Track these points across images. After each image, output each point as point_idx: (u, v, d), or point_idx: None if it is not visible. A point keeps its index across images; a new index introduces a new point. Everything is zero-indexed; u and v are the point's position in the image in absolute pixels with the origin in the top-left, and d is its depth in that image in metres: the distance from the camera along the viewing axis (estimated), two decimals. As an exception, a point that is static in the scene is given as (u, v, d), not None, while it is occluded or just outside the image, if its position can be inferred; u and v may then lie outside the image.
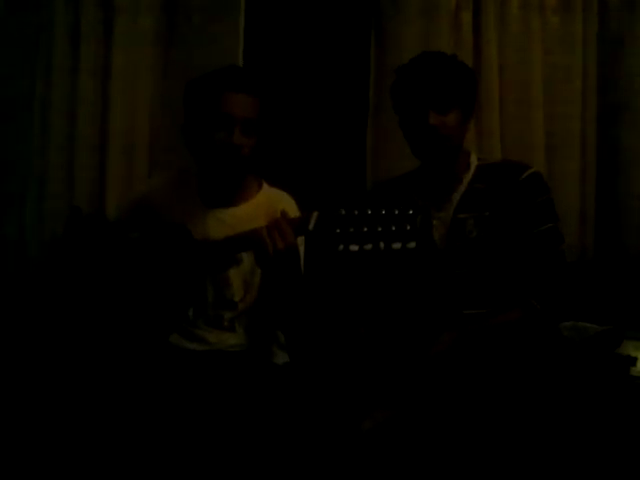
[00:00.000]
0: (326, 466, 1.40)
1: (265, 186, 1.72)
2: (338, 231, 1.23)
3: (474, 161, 1.71)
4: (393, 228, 1.22)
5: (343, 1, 2.27)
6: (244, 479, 1.35)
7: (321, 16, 2.27)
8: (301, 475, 1.37)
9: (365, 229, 1.22)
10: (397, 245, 1.22)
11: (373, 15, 2.19)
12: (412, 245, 1.21)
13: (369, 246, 1.22)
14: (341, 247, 1.23)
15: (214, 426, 1.39)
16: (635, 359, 1.71)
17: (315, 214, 1.32)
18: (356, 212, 1.23)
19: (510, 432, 1.39)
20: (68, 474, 1.34)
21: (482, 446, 1.38)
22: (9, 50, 2.09)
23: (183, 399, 1.43)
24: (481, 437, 1.39)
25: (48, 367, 1.54)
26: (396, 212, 1.22)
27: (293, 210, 1.61)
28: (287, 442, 1.38)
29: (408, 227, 1.22)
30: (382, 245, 1.22)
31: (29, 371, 1.59)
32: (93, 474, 1.34)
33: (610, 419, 1.54)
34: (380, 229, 1.22)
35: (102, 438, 1.36)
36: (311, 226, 1.32)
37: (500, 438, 1.38)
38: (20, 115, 2.12)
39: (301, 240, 1.53)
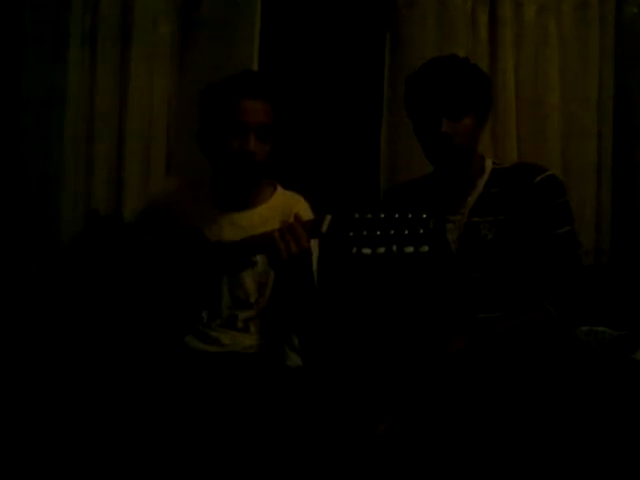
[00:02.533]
0: (339, 469, 1.40)
1: (279, 189, 1.73)
2: (351, 234, 1.23)
3: (489, 165, 1.70)
4: (406, 232, 1.22)
5: (359, 3, 2.27)
6: (256, 480, 1.36)
7: (336, 17, 2.27)
8: (313, 478, 1.37)
9: (378, 232, 1.23)
10: (410, 249, 1.22)
11: (389, 16, 2.19)
12: (425, 249, 1.21)
13: (382, 249, 1.22)
14: (354, 250, 1.23)
15: (227, 428, 1.40)
16: (651, 364, 1.69)
17: (328, 217, 1.33)
18: (369, 215, 1.23)
19: (524, 436, 1.38)
20: (76, 473, 1.36)
21: (496, 450, 1.38)
22: (33, 50, 2.11)
23: (196, 400, 1.44)
24: (495, 441, 1.38)
25: (63, 366, 1.55)
26: (409, 216, 1.22)
27: (307, 213, 1.62)
28: (299, 445, 1.39)
29: (421, 231, 1.21)
30: (395, 248, 1.22)
31: (43, 371, 1.61)
32: (104, 474, 1.35)
33: (625, 424, 1.53)
34: (393, 232, 1.22)
35: (114, 438, 1.37)
36: (324, 229, 1.32)
37: (514, 442, 1.38)
38: (40, 114, 2.13)
39: (314, 243, 1.54)
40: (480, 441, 1.39)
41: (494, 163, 1.71)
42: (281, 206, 1.67)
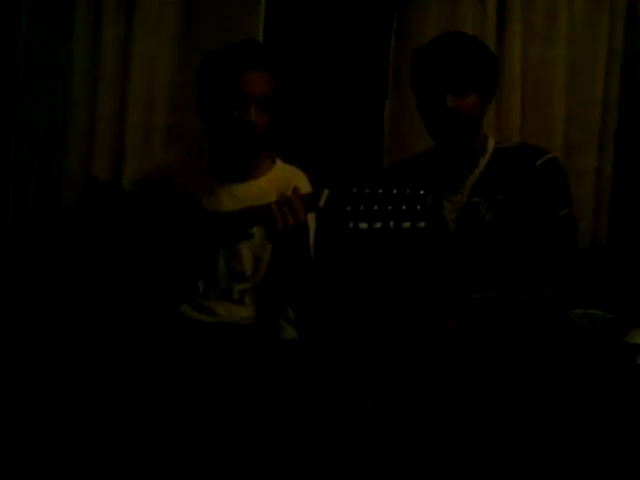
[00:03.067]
0: (329, 442, 1.41)
1: (279, 162, 1.72)
2: (349, 209, 1.24)
3: (491, 145, 1.69)
4: (403, 207, 1.22)
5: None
6: (248, 453, 1.37)
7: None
8: (305, 451, 1.39)
9: (375, 207, 1.23)
10: (407, 224, 1.22)
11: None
12: (422, 225, 1.22)
13: (379, 224, 1.23)
14: (351, 225, 1.24)
15: (220, 398, 1.41)
16: (643, 348, 1.70)
17: (326, 191, 1.33)
18: (367, 190, 1.24)
19: (515, 417, 1.39)
20: (75, 445, 1.38)
21: (486, 428, 1.39)
22: (36, 22, 2.10)
23: (190, 369, 1.45)
24: (485, 420, 1.39)
25: (59, 334, 1.57)
26: (407, 191, 1.22)
27: (306, 187, 1.61)
28: (291, 417, 1.40)
29: (418, 207, 1.22)
30: (392, 224, 1.22)
31: (40, 339, 1.62)
32: (99, 446, 1.37)
33: (616, 407, 1.54)
34: (390, 208, 1.22)
35: (108, 408, 1.39)
36: (322, 203, 1.33)
37: (504, 423, 1.39)
38: (45, 83, 2.13)
39: (312, 217, 1.54)
40: (470, 419, 1.40)
41: (497, 143, 1.71)
42: (280, 179, 1.66)
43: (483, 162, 1.67)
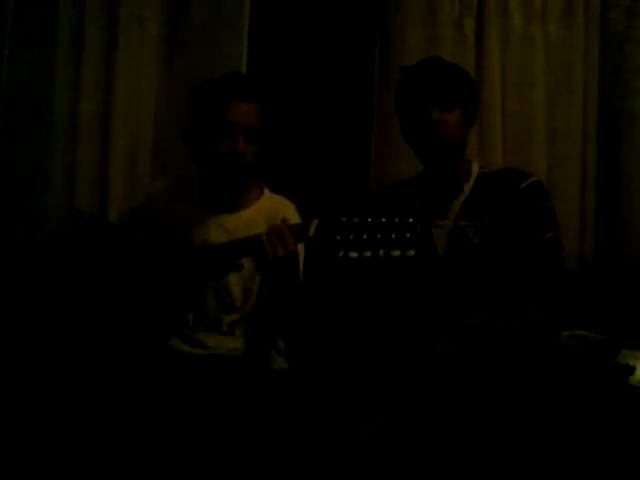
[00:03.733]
0: (323, 472, 1.40)
1: (266, 192, 1.73)
2: (338, 238, 1.24)
3: (475, 169, 1.71)
4: (393, 236, 1.22)
5: (348, 7, 2.28)
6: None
7: (326, 22, 2.27)
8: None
9: (365, 236, 1.23)
10: (396, 253, 1.23)
11: (378, 20, 2.20)
12: (411, 253, 1.22)
13: (368, 253, 1.23)
14: (341, 254, 1.24)
15: (212, 430, 1.39)
16: (633, 368, 1.70)
17: (315, 221, 1.33)
18: (356, 219, 1.24)
19: (508, 439, 1.39)
20: (66, 476, 1.35)
21: (479, 453, 1.38)
22: (17, 61, 2.10)
23: (182, 403, 1.43)
24: (479, 444, 1.39)
25: (48, 369, 1.54)
26: (396, 220, 1.23)
27: (294, 216, 1.62)
28: (284, 448, 1.38)
29: (408, 235, 1.22)
30: (382, 252, 1.23)
31: (29, 373, 1.60)
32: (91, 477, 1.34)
33: (609, 428, 1.54)
34: (380, 236, 1.23)
35: (100, 441, 1.36)
36: (311, 233, 1.33)
37: (498, 445, 1.38)
38: (27, 117, 2.12)
39: (301, 247, 1.54)
40: (463, 444, 1.39)
41: (481, 167, 1.73)
42: (268, 209, 1.67)
43: (468, 186, 1.69)
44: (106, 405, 1.40)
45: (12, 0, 2.08)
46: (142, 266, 1.54)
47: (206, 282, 1.60)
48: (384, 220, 1.23)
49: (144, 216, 1.67)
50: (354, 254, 1.23)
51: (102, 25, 2.10)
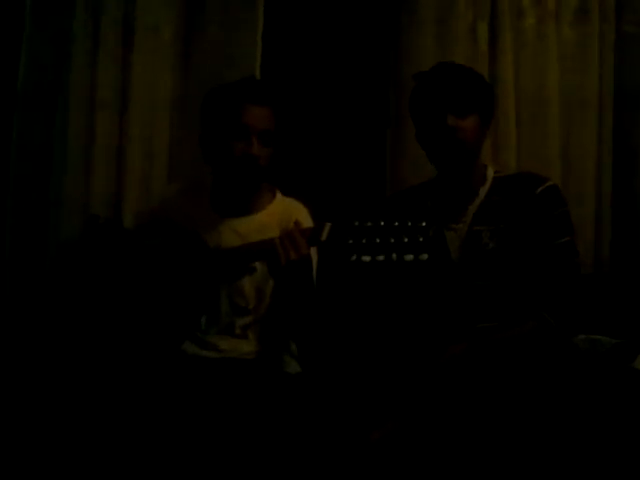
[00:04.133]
0: (336, 475, 1.39)
1: (279, 196, 1.73)
2: (351, 242, 1.24)
3: (491, 173, 1.71)
4: (406, 240, 1.22)
5: (362, 10, 2.28)
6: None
7: (340, 27, 2.27)
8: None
9: (378, 240, 1.23)
10: (409, 257, 1.22)
11: (392, 24, 2.20)
12: (424, 257, 1.22)
13: (381, 257, 1.23)
14: (354, 258, 1.24)
15: (225, 433, 1.39)
16: (650, 373, 1.69)
17: (328, 225, 1.33)
18: (369, 223, 1.24)
19: (522, 444, 1.38)
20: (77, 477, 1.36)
21: (493, 458, 1.37)
22: (34, 64, 2.11)
23: (194, 406, 1.43)
24: (492, 448, 1.38)
25: (63, 372, 1.55)
26: (409, 224, 1.23)
27: (306, 220, 1.62)
28: (296, 451, 1.39)
29: (421, 239, 1.22)
30: (394, 256, 1.22)
31: (43, 376, 1.61)
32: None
33: (625, 433, 1.52)
34: (393, 240, 1.22)
35: (113, 444, 1.37)
36: (324, 237, 1.33)
37: (512, 450, 1.37)
38: (42, 115, 2.13)
39: (314, 250, 1.54)
40: (477, 450, 1.38)
41: (496, 172, 1.72)
42: (280, 213, 1.67)
43: (483, 191, 1.68)
44: (120, 408, 1.41)
45: (30, 7, 2.10)
46: (156, 270, 1.55)
47: (219, 285, 1.61)
48: (397, 224, 1.23)
49: (158, 219, 1.68)
50: (367, 258, 1.23)
51: (117, 30, 2.11)
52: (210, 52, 2.14)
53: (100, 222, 1.68)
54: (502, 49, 2.15)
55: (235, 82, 1.65)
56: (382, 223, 1.23)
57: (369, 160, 2.26)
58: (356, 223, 1.24)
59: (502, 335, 1.57)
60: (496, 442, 1.38)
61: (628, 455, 1.48)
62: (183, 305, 1.51)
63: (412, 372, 1.54)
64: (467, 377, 1.48)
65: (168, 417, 1.40)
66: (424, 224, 1.22)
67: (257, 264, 1.60)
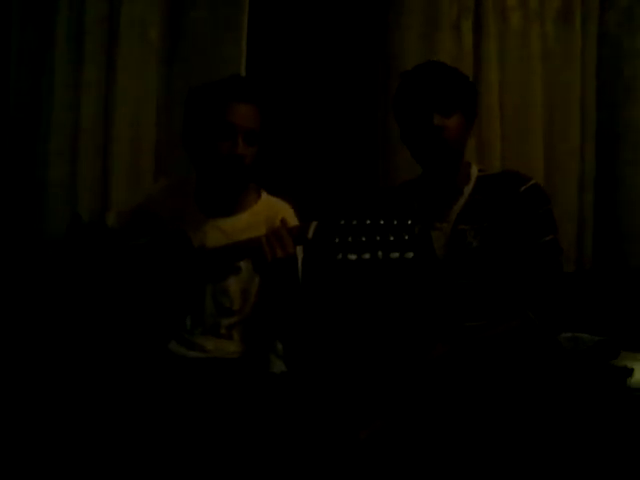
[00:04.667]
0: (322, 475, 1.39)
1: (264, 195, 1.73)
2: (337, 240, 1.24)
3: (475, 172, 1.71)
4: (391, 238, 1.22)
5: (348, 9, 2.28)
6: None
7: (326, 22, 2.27)
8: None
9: (363, 239, 1.23)
10: (395, 255, 1.22)
11: (378, 23, 2.21)
12: (410, 255, 1.22)
13: (367, 255, 1.23)
14: (339, 256, 1.23)
15: (210, 434, 1.39)
16: (632, 370, 1.71)
17: (314, 223, 1.33)
18: (355, 222, 1.24)
19: (507, 441, 1.39)
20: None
21: (478, 455, 1.38)
22: (18, 67, 2.10)
23: (180, 406, 1.43)
24: (477, 446, 1.39)
25: (46, 372, 1.54)
26: (395, 222, 1.23)
27: (292, 219, 1.62)
28: (283, 451, 1.38)
29: (406, 237, 1.22)
30: (380, 254, 1.22)
31: (27, 376, 1.59)
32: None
33: (607, 430, 1.54)
34: (378, 239, 1.22)
35: (98, 445, 1.36)
36: (310, 235, 1.33)
37: (497, 448, 1.38)
38: (26, 115, 2.11)
39: (299, 249, 1.54)
40: (462, 446, 1.39)
41: (480, 170, 1.73)
42: (266, 212, 1.67)
43: (467, 190, 1.69)
44: (105, 409, 1.40)
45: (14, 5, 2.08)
46: (140, 269, 1.54)
47: (204, 285, 1.60)
48: (382, 222, 1.23)
49: (143, 216, 1.67)
50: (353, 256, 1.23)
51: (102, 29, 2.09)
52: (196, 51, 2.13)
53: (83, 222, 1.67)
54: (486, 49, 2.17)
55: (219, 80, 1.63)
56: (368, 221, 1.23)
57: (359, 159, 2.26)
58: (342, 221, 1.24)
59: (487, 333, 1.58)
60: (483, 440, 1.39)
61: (611, 451, 1.50)
62: (168, 305, 1.50)
63: (399, 371, 1.55)
64: (453, 376, 1.49)
65: (154, 418, 1.40)
66: (409, 222, 1.22)
67: (242, 264, 1.60)
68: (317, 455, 1.40)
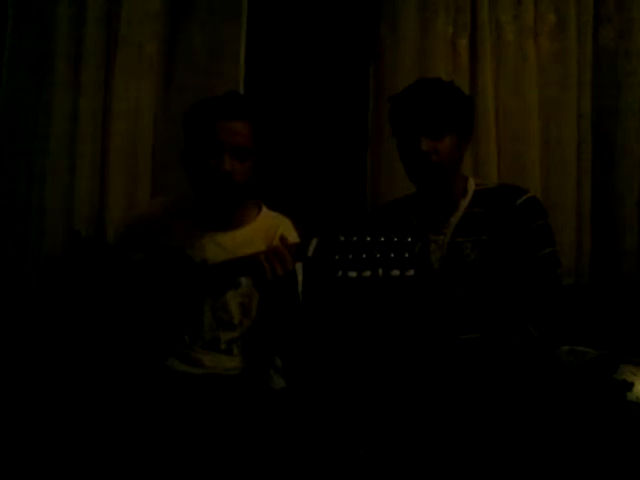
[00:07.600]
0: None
1: (264, 210, 1.73)
2: (337, 257, 1.24)
3: (472, 186, 1.72)
4: (392, 255, 1.22)
5: (343, 26, 2.29)
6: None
7: (321, 41, 2.28)
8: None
9: (364, 256, 1.23)
10: (395, 272, 1.22)
11: (372, 40, 2.22)
12: (410, 273, 1.22)
13: (367, 273, 1.23)
14: (340, 273, 1.24)
15: (210, 450, 1.38)
16: (631, 384, 1.70)
17: (314, 240, 1.33)
18: (355, 239, 1.24)
19: (505, 455, 1.39)
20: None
21: (477, 468, 1.38)
22: (16, 77, 2.10)
23: (179, 422, 1.42)
24: (476, 459, 1.39)
25: (45, 387, 1.53)
26: (395, 239, 1.23)
27: (292, 235, 1.62)
28: (283, 467, 1.38)
29: (407, 254, 1.22)
30: (380, 272, 1.23)
31: (27, 391, 1.58)
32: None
33: (606, 444, 1.54)
34: (379, 256, 1.23)
35: (97, 461, 1.35)
36: (310, 252, 1.33)
37: (495, 460, 1.38)
38: (23, 127, 2.11)
39: (299, 266, 1.54)
40: (460, 459, 1.39)
41: (477, 184, 1.73)
42: (265, 227, 1.67)
43: (464, 203, 1.69)
44: (103, 424, 1.39)
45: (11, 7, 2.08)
46: (139, 285, 1.53)
47: (203, 300, 1.59)
48: (383, 239, 1.23)
49: (139, 235, 1.67)
50: (353, 274, 1.23)
51: (100, 44, 2.10)
52: (193, 66, 2.14)
53: (82, 238, 1.67)
54: (482, 63, 2.18)
55: (212, 98, 1.64)
56: (368, 238, 1.24)
57: (350, 173, 2.27)
58: (342, 238, 1.24)
59: (485, 346, 1.58)
60: (481, 454, 1.39)
61: (611, 465, 1.50)
62: (167, 320, 1.50)
63: (399, 386, 1.54)
64: (452, 389, 1.49)
65: (153, 435, 1.39)
66: (410, 239, 1.23)
67: (242, 279, 1.60)
68: (316, 471, 1.39)
